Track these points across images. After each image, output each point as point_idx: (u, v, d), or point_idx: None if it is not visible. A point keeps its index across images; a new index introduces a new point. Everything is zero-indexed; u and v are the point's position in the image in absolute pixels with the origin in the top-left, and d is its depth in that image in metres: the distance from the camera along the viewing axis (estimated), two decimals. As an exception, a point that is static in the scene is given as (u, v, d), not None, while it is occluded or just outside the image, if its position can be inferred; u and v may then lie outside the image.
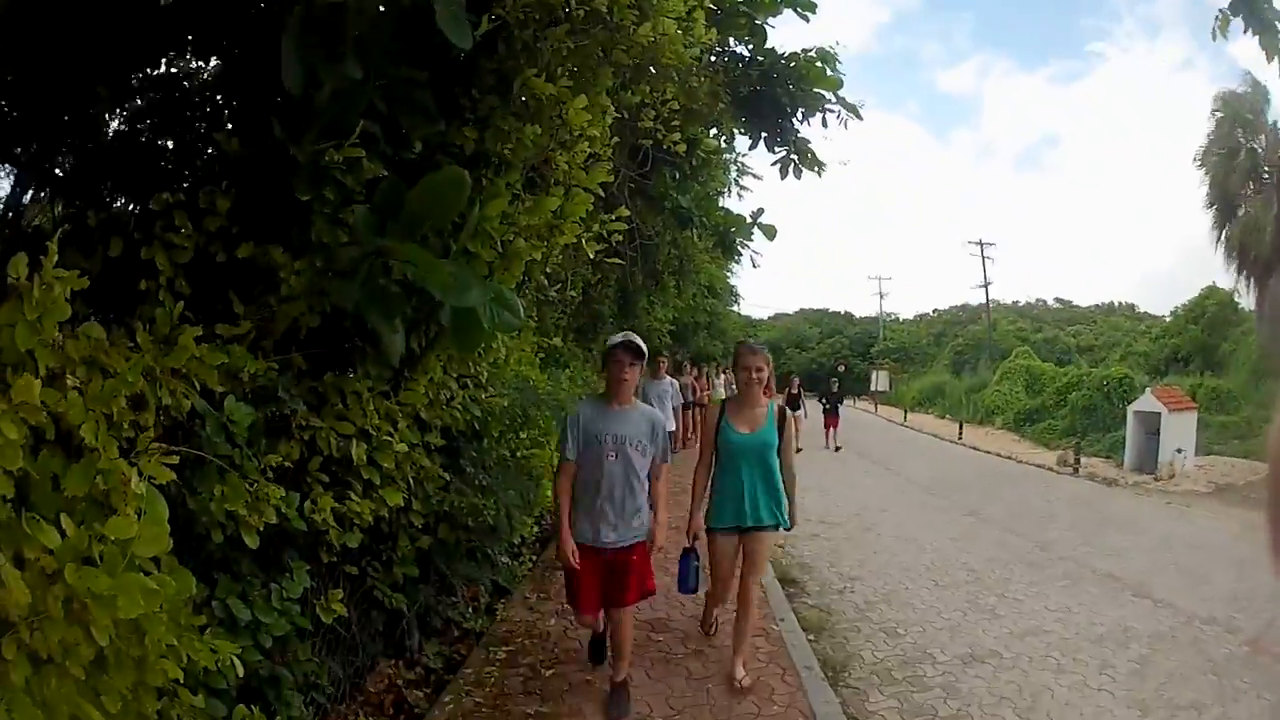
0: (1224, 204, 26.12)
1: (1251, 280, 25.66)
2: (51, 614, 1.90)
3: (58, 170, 4.24)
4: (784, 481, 5.91)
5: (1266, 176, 25.12)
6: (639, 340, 5.31)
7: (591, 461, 5.23)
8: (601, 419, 5.27)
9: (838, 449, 24.92)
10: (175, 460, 2.40)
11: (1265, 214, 24.19)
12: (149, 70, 4.25)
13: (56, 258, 2.05)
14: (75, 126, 4.10)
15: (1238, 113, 25.70)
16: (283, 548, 3.79)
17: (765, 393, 5.94)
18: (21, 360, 1.98)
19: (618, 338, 5.37)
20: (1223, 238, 26.33)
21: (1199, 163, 26.88)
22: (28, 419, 1.91)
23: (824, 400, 26.90)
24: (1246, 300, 28.38)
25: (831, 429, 25.98)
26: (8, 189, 4.36)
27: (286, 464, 3.69)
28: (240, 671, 2.65)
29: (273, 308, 3.77)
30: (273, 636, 3.52)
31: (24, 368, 1.98)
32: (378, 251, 3.63)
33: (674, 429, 14.43)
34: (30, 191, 4.27)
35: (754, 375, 5.76)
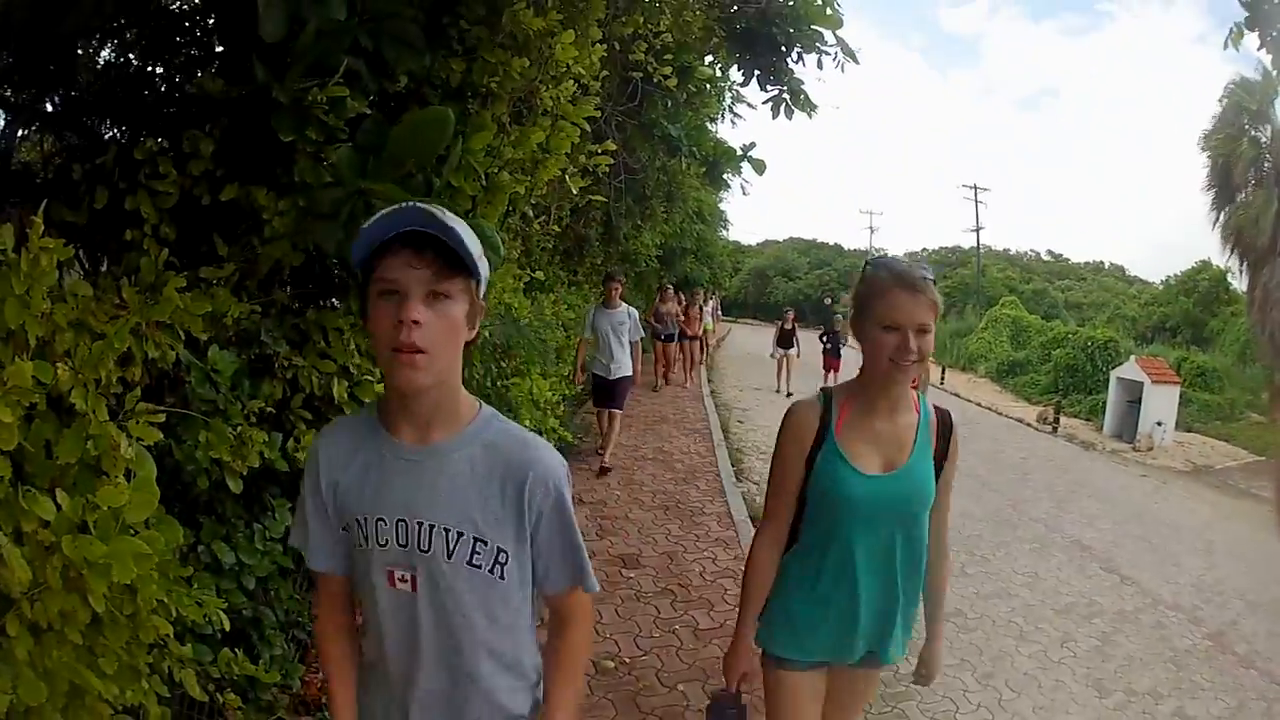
0: (1224, 188, 25.99)
1: (1245, 264, 25.61)
2: (51, 585, 1.97)
3: (48, 106, 4.18)
4: (929, 562, 3.11)
5: (1268, 167, 24.96)
6: (445, 219, 1.80)
7: (363, 589, 2.05)
8: (368, 475, 1.98)
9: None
10: (161, 419, 2.41)
11: (1264, 205, 24.09)
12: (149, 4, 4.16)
13: (43, 228, 2.04)
14: (67, 60, 4.03)
15: (1246, 101, 25.47)
16: (265, 486, 3.83)
17: (914, 383, 2.86)
18: (10, 334, 1.99)
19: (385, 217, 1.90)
20: (1220, 220, 26.23)
21: (1202, 146, 26.69)
22: (21, 400, 1.92)
23: (824, 338, 22.34)
24: (1239, 282, 28.41)
25: (832, 373, 21.19)
26: (-1, 126, 4.31)
27: (269, 408, 3.71)
28: (226, 626, 2.73)
29: (256, 249, 3.76)
30: (256, 577, 3.61)
31: (12, 341, 1.99)
32: (360, 192, 3.61)
33: (630, 374, 10.83)
34: (21, 130, 4.22)
35: (910, 346, 2.58)
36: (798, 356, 22.18)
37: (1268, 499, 14.69)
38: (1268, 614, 8.01)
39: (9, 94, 4.05)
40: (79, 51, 4.11)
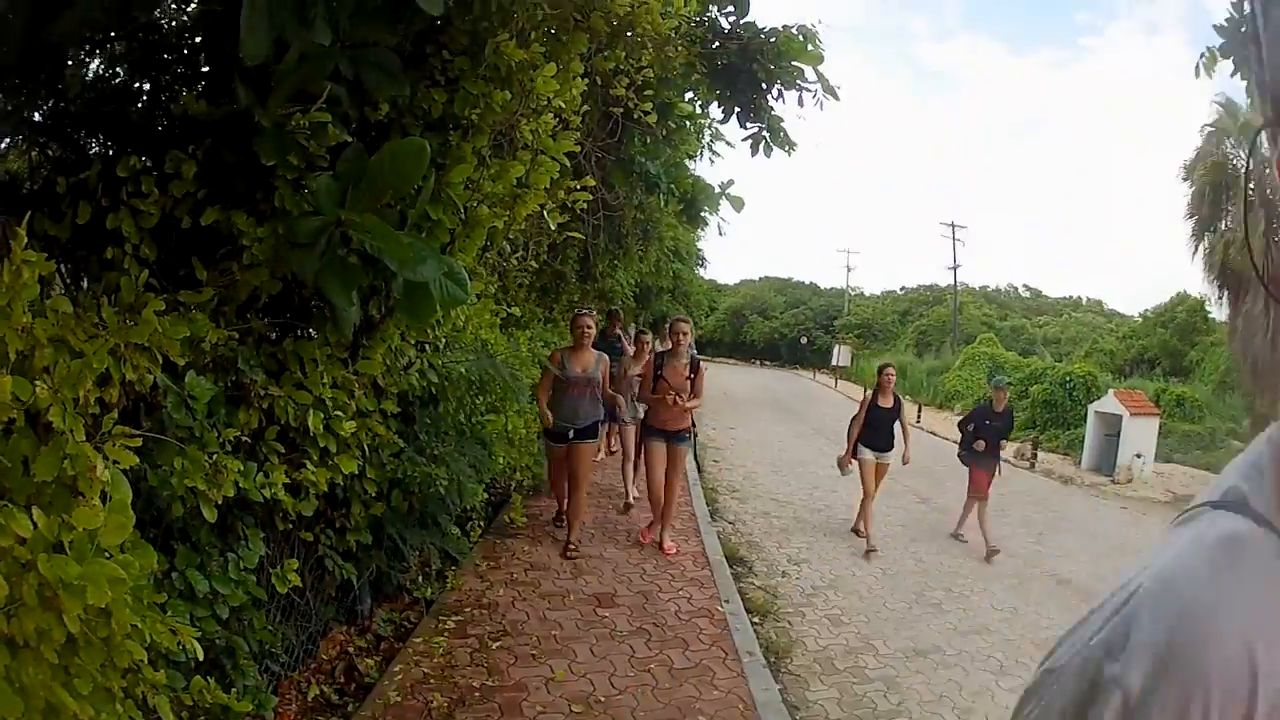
0: (1204, 216, 26.24)
1: (1226, 293, 25.84)
2: (27, 602, 1.95)
3: (36, 115, 4.17)
4: None
5: (1251, 195, 25.20)
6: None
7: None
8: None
9: (993, 553, 10.44)
10: (138, 443, 2.39)
11: (1250, 230, 24.30)
12: (139, 18, 4.16)
13: (25, 241, 2.03)
14: (55, 69, 4.02)
15: (1228, 126, 25.75)
16: (239, 515, 3.79)
17: None
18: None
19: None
20: (1200, 248, 26.45)
21: (1183, 175, 26.97)
22: (-1, 415, 1.91)
23: (973, 428, 11.48)
24: (1217, 311, 28.68)
25: (979, 500, 11.11)
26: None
27: (244, 437, 3.68)
28: (200, 655, 2.67)
29: (235, 274, 3.74)
30: (230, 606, 3.56)
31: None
32: (338, 222, 3.61)
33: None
34: (7, 139, 4.21)
35: None
36: (905, 461, 10.98)
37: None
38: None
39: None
40: (68, 61, 4.10)
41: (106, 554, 2.11)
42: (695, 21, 8.09)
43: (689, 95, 10.49)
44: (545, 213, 6.21)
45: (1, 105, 4.04)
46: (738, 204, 12.55)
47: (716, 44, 8.14)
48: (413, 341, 5.50)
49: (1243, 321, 24.33)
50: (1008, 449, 22.04)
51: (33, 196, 3.81)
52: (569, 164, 6.02)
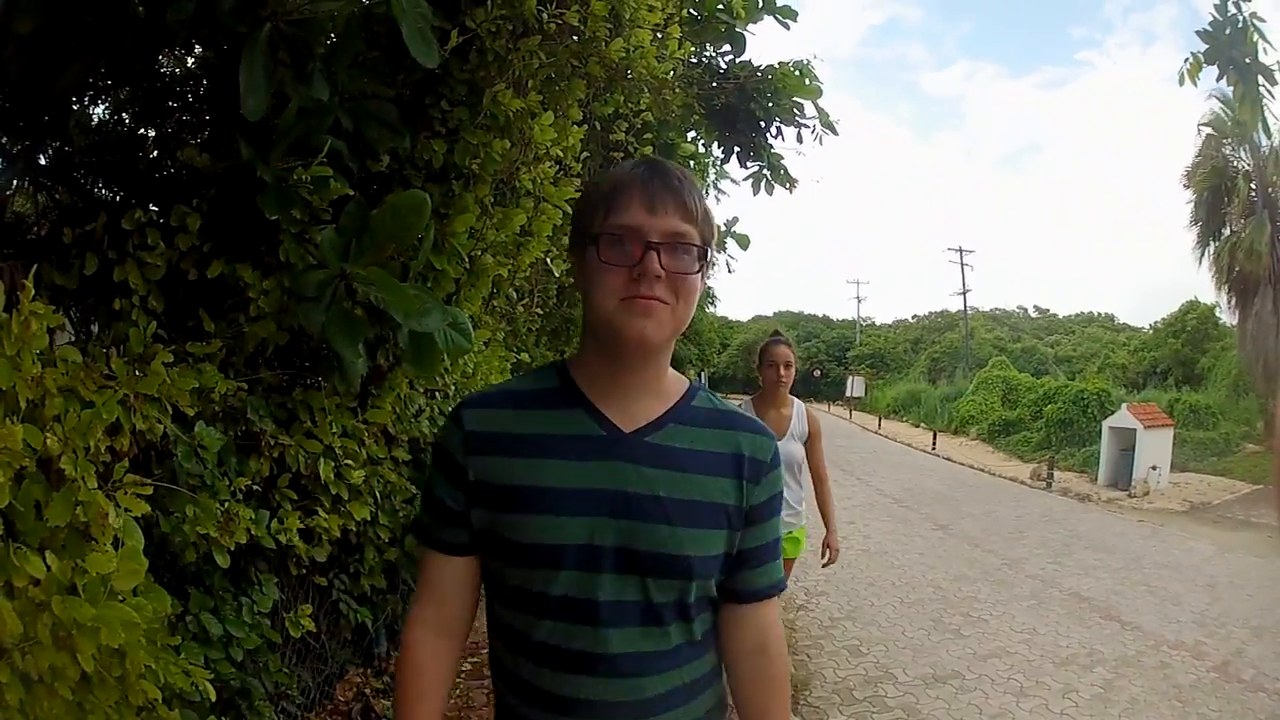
0: (1209, 221, 26.25)
1: (1234, 298, 25.80)
2: (41, 640, 2.01)
3: (41, 159, 4.23)
4: None
5: (1254, 196, 25.17)
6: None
7: None
8: None
9: None
10: (150, 491, 2.45)
11: (1257, 233, 24.22)
12: (143, 66, 4.23)
13: (33, 292, 2.10)
14: (60, 114, 4.08)
15: (1227, 129, 25.76)
16: (252, 561, 3.84)
17: None
18: (0, 395, 2.03)
19: None
20: (1206, 254, 26.46)
21: (1185, 182, 27.00)
22: (12, 463, 1.97)
23: None
24: (1228, 317, 28.65)
25: None
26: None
27: (255, 486, 3.74)
28: (212, 696, 2.71)
29: (242, 326, 3.81)
30: (244, 649, 3.59)
31: (2, 403, 2.04)
32: (342, 274, 3.67)
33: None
34: (14, 181, 4.26)
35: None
36: None
37: (1267, 525, 14.62)
38: (1274, 637, 8.00)
39: (4, 142, 4.09)
40: (74, 106, 4.16)
41: (120, 597, 2.16)
42: (691, 63, 8.16)
43: (691, 135, 10.57)
44: (549, 260, 6.26)
45: (7, 148, 4.09)
46: (743, 242, 12.57)
47: (713, 84, 8.22)
48: (422, 389, 5.54)
49: (1253, 324, 24.33)
50: (1024, 471, 22.05)
51: (39, 243, 3.88)
52: (571, 210, 6.05)
